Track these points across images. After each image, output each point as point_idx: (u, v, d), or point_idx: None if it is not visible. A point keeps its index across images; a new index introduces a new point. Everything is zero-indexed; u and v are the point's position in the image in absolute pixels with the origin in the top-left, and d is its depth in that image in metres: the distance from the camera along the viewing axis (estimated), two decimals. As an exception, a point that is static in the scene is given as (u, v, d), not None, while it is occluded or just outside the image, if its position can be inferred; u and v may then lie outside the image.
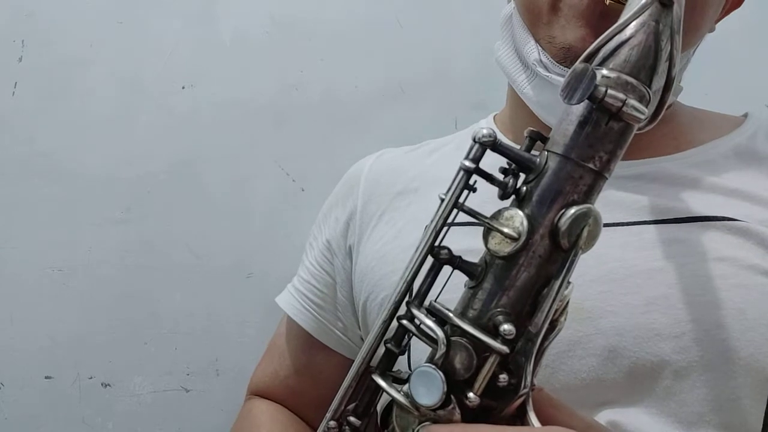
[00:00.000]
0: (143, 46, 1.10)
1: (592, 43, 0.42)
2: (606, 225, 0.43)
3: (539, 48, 0.62)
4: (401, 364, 0.49)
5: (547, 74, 0.61)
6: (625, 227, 0.60)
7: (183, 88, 1.10)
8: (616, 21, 0.42)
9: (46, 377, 1.06)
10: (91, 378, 1.06)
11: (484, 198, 0.44)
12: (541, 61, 0.62)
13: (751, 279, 0.56)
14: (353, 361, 0.49)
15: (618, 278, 0.58)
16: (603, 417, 0.56)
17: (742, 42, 0.98)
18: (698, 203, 0.60)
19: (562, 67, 0.60)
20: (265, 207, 1.09)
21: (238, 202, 1.09)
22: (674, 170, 0.63)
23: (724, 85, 0.98)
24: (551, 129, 0.58)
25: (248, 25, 1.11)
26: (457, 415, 0.41)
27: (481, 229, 0.42)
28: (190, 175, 1.09)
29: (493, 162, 0.43)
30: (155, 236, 1.08)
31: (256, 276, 1.08)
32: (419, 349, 0.48)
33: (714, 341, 0.54)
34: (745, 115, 0.70)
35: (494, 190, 0.43)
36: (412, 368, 0.42)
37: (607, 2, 0.54)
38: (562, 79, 0.59)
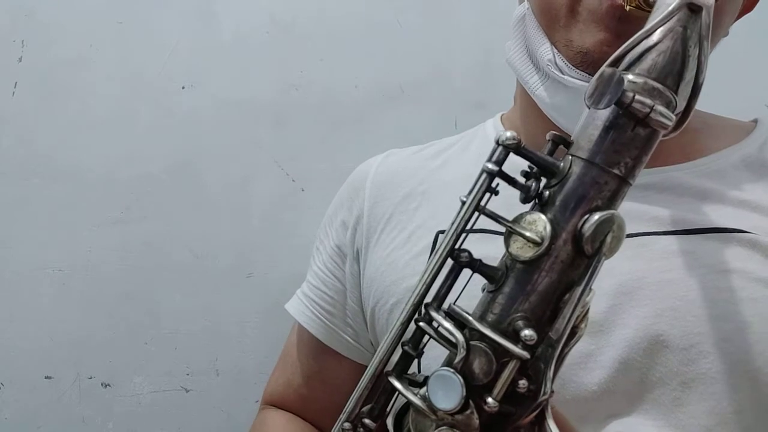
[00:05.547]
0: (143, 46, 1.09)
1: (610, 47, 0.42)
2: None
3: (554, 50, 0.61)
4: (412, 367, 0.49)
5: (562, 76, 0.60)
6: (635, 238, 0.60)
7: (183, 88, 1.09)
8: (635, 26, 0.41)
9: (46, 377, 1.05)
10: (91, 378, 1.06)
11: (499, 201, 0.43)
12: (555, 63, 0.61)
13: (760, 292, 0.55)
14: (365, 366, 0.49)
15: (628, 291, 0.57)
16: (610, 429, 0.56)
17: (742, 42, 0.98)
18: (708, 214, 0.60)
19: (577, 70, 0.59)
20: (265, 207, 1.09)
21: (238, 202, 1.09)
22: (684, 180, 0.63)
23: (723, 85, 0.98)
24: (563, 131, 0.58)
25: (248, 24, 1.11)
26: (475, 419, 0.41)
27: (493, 236, 0.42)
28: (190, 175, 1.09)
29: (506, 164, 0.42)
30: (155, 236, 1.08)
31: (256, 276, 1.08)
32: (431, 353, 0.47)
33: (722, 354, 0.54)
34: (755, 121, 0.70)
35: (509, 194, 0.43)
36: (428, 372, 0.42)
37: (627, 8, 0.52)
38: (576, 82, 0.59)
